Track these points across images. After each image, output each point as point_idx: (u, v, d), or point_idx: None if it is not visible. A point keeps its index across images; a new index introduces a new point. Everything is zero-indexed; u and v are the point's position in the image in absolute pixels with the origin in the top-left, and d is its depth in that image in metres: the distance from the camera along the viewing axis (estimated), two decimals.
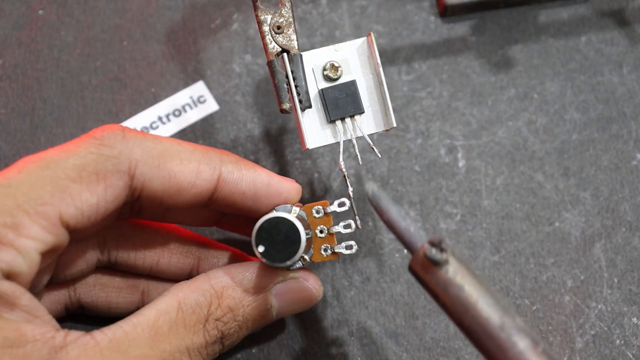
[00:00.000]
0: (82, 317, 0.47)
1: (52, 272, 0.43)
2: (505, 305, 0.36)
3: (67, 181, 0.38)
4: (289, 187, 0.44)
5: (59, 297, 0.45)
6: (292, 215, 0.43)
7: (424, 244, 0.37)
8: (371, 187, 0.40)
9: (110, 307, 0.46)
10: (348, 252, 0.44)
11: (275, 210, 0.43)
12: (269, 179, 0.43)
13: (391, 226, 0.39)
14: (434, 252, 0.37)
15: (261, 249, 0.41)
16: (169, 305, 0.41)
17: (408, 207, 0.52)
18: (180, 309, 0.41)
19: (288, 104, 0.44)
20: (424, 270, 0.37)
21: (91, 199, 0.39)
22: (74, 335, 0.38)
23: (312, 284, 0.44)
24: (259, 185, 0.43)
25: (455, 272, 0.36)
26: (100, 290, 0.46)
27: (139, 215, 0.45)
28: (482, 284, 0.37)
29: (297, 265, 0.43)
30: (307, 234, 0.42)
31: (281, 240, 0.41)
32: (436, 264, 0.37)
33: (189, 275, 0.46)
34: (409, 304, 0.50)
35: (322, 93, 0.45)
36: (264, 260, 0.41)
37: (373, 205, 0.40)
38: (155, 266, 0.46)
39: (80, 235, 0.41)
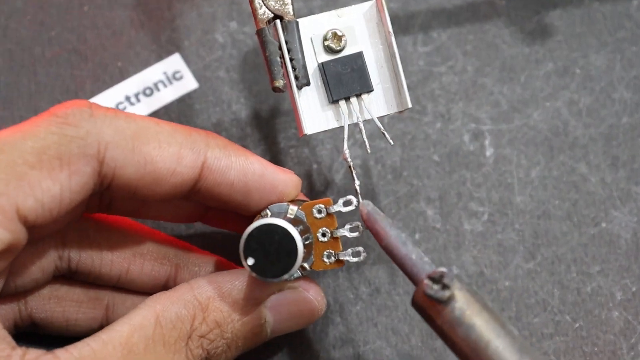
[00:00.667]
0: (35, 337, 0.47)
1: (5, 280, 0.43)
2: (524, 345, 0.37)
3: (25, 167, 0.38)
4: (286, 180, 0.44)
5: (8, 312, 0.45)
6: (287, 218, 0.43)
7: (425, 278, 0.38)
8: (366, 206, 0.42)
9: (68, 325, 0.46)
10: (355, 259, 0.44)
11: (269, 210, 0.44)
12: (263, 169, 0.43)
13: (390, 253, 0.40)
14: (435, 289, 0.38)
15: (251, 261, 0.41)
16: (145, 319, 0.41)
17: (425, 204, 0.53)
18: (159, 323, 0.41)
19: (282, 81, 0.44)
20: (428, 307, 0.38)
21: (53, 188, 0.39)
22: (34, 354, 0.38)
23: (313, 295, 0.45)
24: (250, 176, 0.43)
25: (462, 310, 0.37)
26: (56, 304, 0.46)
27: (108, 209, 0.45)
28: (496, 320, 0.37)
29: (296, 275, 0.44)
30: (306, 239, 0.43)
31: (274, 251, 0.41)
32: (439, 302, 0.38)
33: (163, 288, 0.46)
34: None
35: (323, 67, 0.45)
36: (254, 274, 0.42)
37: (369, 228, 0.41)
38: (124, 275, 0.46)
39: (39, 233, 0.41)
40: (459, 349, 0.37)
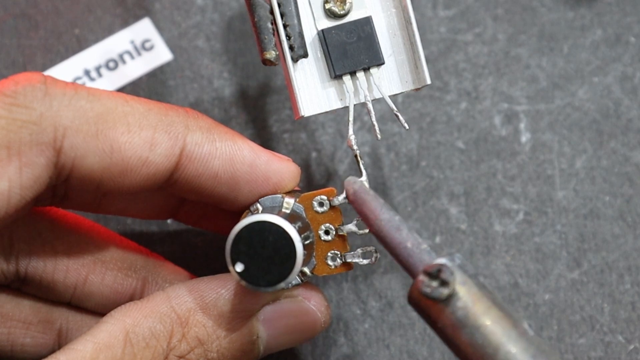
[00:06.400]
0: None
1: None
2: (540, 349, 0.36)
3: None
4: (282, 170, 0.44)
5: None
6: (283, 213, 0.43)
7: (420, 273, 0.38)
8: (352, 184, 0.42)
9: (14, 350, 0.47)
10: (366, 261, 0.44)
11: (260, 204, 0.44)
12: (253, 157, 0.44)
13: (382, 240, 0.40)
14: (432, 287, 0.37)
15: (239, 267, 0.41)
16: (112, 336, 0.41)
17: (448, 200, 0.53)
18: (129, 341, 0.41)
19: (273, 52, 0.44)
20: (426, 307, 0.38)
21: (0, 184, 0.39)
22: None
23: (315, 305, 0.45)
24: (238, 166, 0.43)
25: (466, 310, 0.37)
26: (0, 323, 0.46)
27: (63, 202, 0.45)
28: (507, 319, 0.37)
29: (294, 282, 0.44)
30: (305, 238, 0.42)
31: (268, 254, 0.41)
32: (438, 301, 0.37)
33: None
34: None
35: (324, 36, 0.45)
36: (243, 283, 0.41)
37: (356, 209, 0.41)
38: (81, 285, 0.46)
39: None
40: (463, 355, 0.37)
